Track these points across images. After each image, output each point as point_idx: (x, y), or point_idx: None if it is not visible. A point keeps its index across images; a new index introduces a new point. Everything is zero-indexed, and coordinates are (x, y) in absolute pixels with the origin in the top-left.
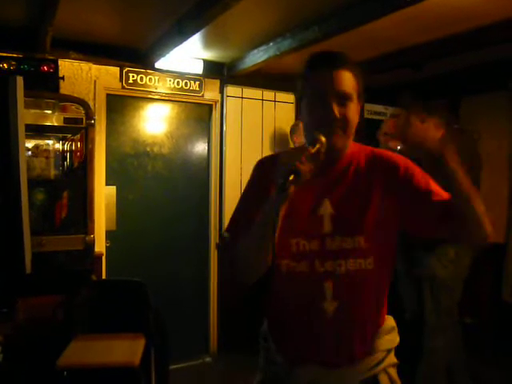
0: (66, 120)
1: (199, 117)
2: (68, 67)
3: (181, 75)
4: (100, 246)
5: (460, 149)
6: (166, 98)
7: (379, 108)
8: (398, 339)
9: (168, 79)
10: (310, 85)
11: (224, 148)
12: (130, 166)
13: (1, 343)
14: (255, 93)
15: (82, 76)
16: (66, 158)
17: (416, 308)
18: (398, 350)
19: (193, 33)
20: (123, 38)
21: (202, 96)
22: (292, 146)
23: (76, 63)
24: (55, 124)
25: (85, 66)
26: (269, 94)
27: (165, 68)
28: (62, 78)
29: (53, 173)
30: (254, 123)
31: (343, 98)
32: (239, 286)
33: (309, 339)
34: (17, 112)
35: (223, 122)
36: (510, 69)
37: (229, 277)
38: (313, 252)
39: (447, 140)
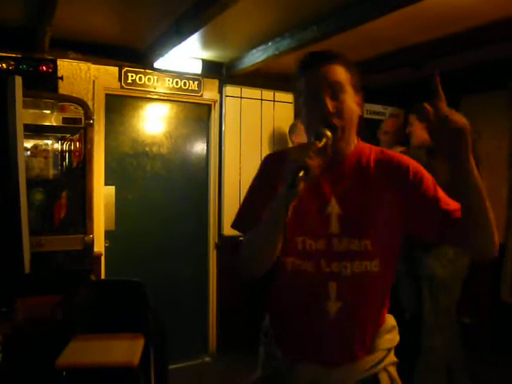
0: (64, 120)
1: (198, 117)
2: (67, 67)
3: (179, 75)
4: (99, 245)
5: None
6: (165, 98)
7: (378, 108)
8: (398, 338)
9: (167, 79)
10: (303, 83)
11: (223, 148)
12: (128, 165)
13: (0, 343)
14: (254, 93)
15: (81, 76)
16: (64, 158)
17: (416, 308)
18: (398, 349)
19: (191, 33)
20: (122, 38)
21: (201, 96)
22: (291, 145)
23: (75, 63)
24: (54, 124)
25: (83, 65)
26: (268, 94)
27: (163, 68)
28: (61, 77)
29: (52, 173)
30: (253, 123)
31: (336, 90)
32: (244, 279)
33: (309, 338)
34: (15, 112)
35: (222, 121)
36: (509, 68)
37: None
38: (319, 252)
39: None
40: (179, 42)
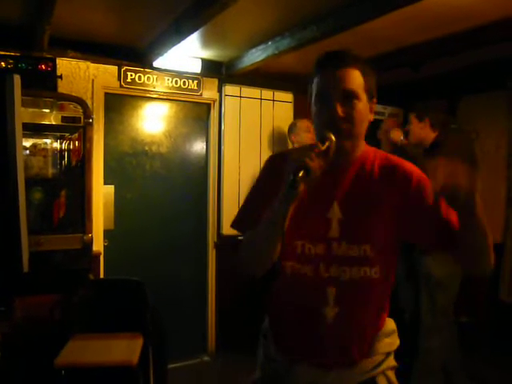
0: (63, 119)
1: (197, 116)
2: (66, 66)
3: (179, 74)
4: (98, 245)
5: (458, 148)
6: (164, 97)
7: (378, 108)
8: (397, 342)
9: (166, 78)
10: (316, 85)
11: (222, 147)
12: (128, 165)
13: None
14: (253, 92)
15: (80, 75)
16: (63, 157)
17: (414, 308)
18: (396, 350)
19: (191, 32)
20: (121, 37)
21: (201, 95)
22: (290, 145)
23: (74, 62)
24: (53, 123)
25: (83, 64)
26: (267, 93)
27: (163, 67)
28: (60, 76)
29: (51, 172)
30: (253, 122)
31: (348, 97)
32: (244, 279)
33: (307, 341)
34: (14, 111)
35: (221, 121)
36: (508, 68)
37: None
38: (318, 256)
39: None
40: (179, 41)
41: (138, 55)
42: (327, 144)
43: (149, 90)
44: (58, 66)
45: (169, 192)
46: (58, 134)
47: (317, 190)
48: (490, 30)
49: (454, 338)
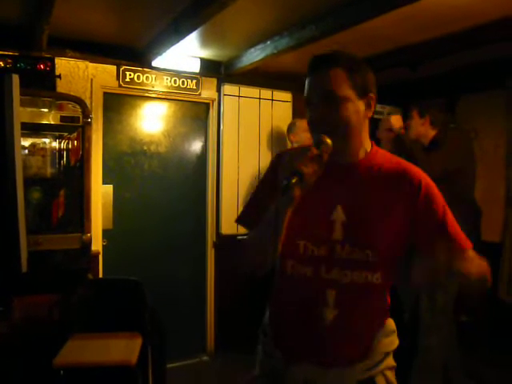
0: (62, 118)
1: (196, 115)
2: (64, 65)
3: (178, 74)
4: (97, 244)
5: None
6: (163, 97)
7: (376, 107)
8: (396, 342)
9: (165, 78)
10: (305, 89)
11: (221, 147)
12: (126, 164)
13: None
14: (252, 91)
15: (79, 74)
16: (62, 157)
17: (414, 307)
18: (396, 349)
19: (189, 31)
20: (120, 37)
21: (199, 94)
22: (289, 145)
23: (72, 61)
24: (52, 122)
25: (81, 64)
26: (266, 93)
27: (162, 66)
28: (59, 76)
29: (49, 171)
30: (252, 122)
31: (328, 98)
32: (244, 278)
33: (306, 340)
34: (12, 110)
35: (220, 120)
36: (507, 67)
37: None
38: (320, 258)
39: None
40: (177, 41)
41: (137, 55)
42: (321, 148)
43: (147, 90)
44: (56, 66)
45: (167, 191)
46: (57, 133)
47: (321, 191)
48: (489, 29)
49: (452, 337)
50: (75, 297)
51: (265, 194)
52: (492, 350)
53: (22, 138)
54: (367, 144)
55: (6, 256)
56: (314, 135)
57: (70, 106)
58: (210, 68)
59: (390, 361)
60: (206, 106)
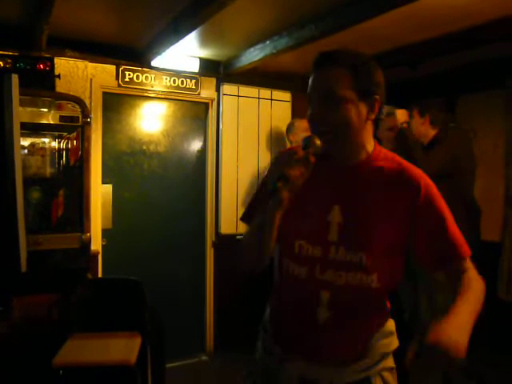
0: (62, 118)
1: (195, 115)
2: (64, 65)
3: (177, 73)
4: (96, 244)
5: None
6: (163, 97)
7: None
8: (395, 343)
9: (164, 77)
10: (308, 85)
11: (220, 146)
12: (126, 164)
13: None
14: (252, 91)
15: (78, 74)
16: (61, 157)
17: (414, 307)
18: (395, 351)
19: (189, 31)
20: (119, 36)
21: (199, 94)
22: (288, 144)
23: (72, 61)
24: (51, 122)
25: (81, 64)
26: (265, 93)
27: (161, 66)
28: (58, 76)
29: (49, 171)
30: (251, 121)
31: (328, 98)
32: (243, 275)
33: (301, 339)
34: (12, 110)
35: (219, 120)
36: (506, 67)
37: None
38: (315, 258)
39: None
40: (177, 41)
41: (136, 54)
42: (307, 150)
43: (147, 90)
44: (56, 66)
45: (167, 191)
46: (56, 133)
47: (319, 191)
48: (488, 29)
49: None
50: (74, 296)
51: (264, 193)
52: (491, 349)
53: (21, 138)
54: (369, 145)
55: (6, 256)
56: (304, 137)
57: (69, 105)
58: (209, 68)
59: (389, 362)
60: (205, 106)
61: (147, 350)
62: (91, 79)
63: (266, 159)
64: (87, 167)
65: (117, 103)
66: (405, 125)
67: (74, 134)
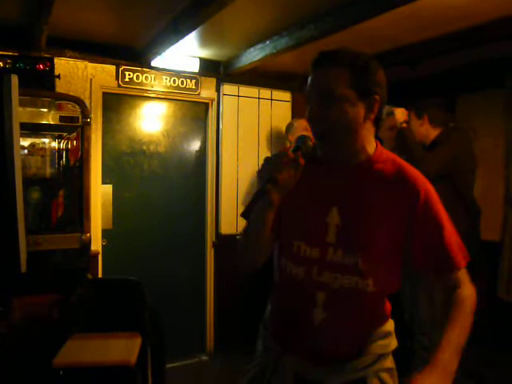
0: (61, 118)
1: (195, 115)
2: (64, 65)
3: (177, 73)
4: (96, 244)
5: (457, 148)
6: (163, 97)
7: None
8: (394, 344)
9: (164, 77)
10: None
11: (220, 146)
12: (126, 164)
13: None
14: (252, 91)
15: (78, 74)
16: (61, 157)
17: (413, 307)
18: (395, 350)
19: (189, 31)
20: (119, 37)
21: (199, 94)
22: (288, 145)
23: (72, 61)
24: (51, 122)
25: (81, 64)
26: (265, 93)
27: (161, 66)
28: (58, 76)
29: (49, 171)
30: (251, 121)
31: (324, 97)
32: (242, 273)
33: (297, 338)
34: (11, 110)
35: (220, 120)
36: (505, 67)
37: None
38: (313, 259)
39: None
40: (177, 41)
41: (136, 55)
42: (298, 152)
43: (147, 90)
44: (55, 66)
45: (167, 191)
46: (56, 133)
47: (319, 191)
48: (487, 29)
49: None
50: (75, 297)
51: (256, 196)
52: (491, 348)
53: (21, 138)
54: (370, 146)
55: (6, 256)
56: (298, 136)
57: (69, 106)
58: (209, 68)
59: (386, 363)
60: (206, 106)
61: (147, 350)
62: (91, 79)
63: None
64: (87, 167)
65: (117, 103)
66: (404, 124)
67: (74, 134)
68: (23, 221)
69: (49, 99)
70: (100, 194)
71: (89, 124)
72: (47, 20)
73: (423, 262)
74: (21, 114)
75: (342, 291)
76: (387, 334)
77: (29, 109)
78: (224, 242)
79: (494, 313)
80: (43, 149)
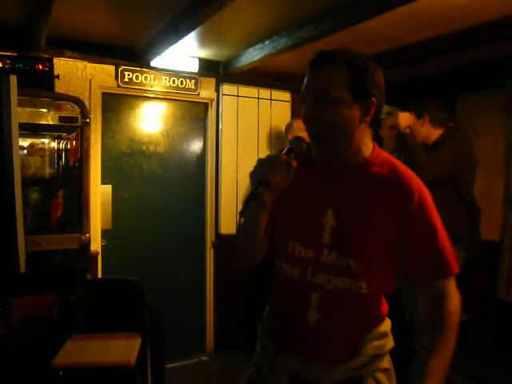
0: (61, 119)
1: (195, 115)
2: (63, 66)
3: (176, 74)
4: (96, 244)
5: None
6: (162, 97)
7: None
8: (390, 344)
9: (163, 78)
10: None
11: (220, 146)
12: (125, 164)
13: None
14: (251, 91)
15: (78, 74)
16: (61, 157)
17: (413, 307)
18: (395, 350)
19: (188, 31)
20: (118, 37)
21: (198, 94)
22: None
23: (71, 62)
24: (50, 123)
25: (80, 64)
26: (265, 93)
27: (160, 66)
28: (57, 76)
29: (48, 172)
30: (250, 121)
31: (319, 98)
32: (239, 271)
33: (292, 338)
34: (10, 111)
35: (219, 120)
36: (505, 67)
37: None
38: (307, 260)
39: None
40: (176, 41)
41: (136, 55)
42: (290, 155)
43: (146, 90)
44: (55, 66)
45: (166, 191)
46: (56, 133)
47: (315, 193)
48: (487, 29)
49: None
50: (74, 297)
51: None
52: (491, 349)
53: (20, 139)
54: (366, 148)
55: (5, 256)
56: (293, 137)
57: (68, 106)
58: (208, 68)
59: (383, 363)
60: (205, 106)
61: (147, 350)
62: (90, 79)
63: None
64: (86, 168)
65: (116, 103)
66: (407, 130)
67: (74, 134)
68: (22, 221)
69: (48, 99)
70: (99, 194)
71: (88, 124)
72: (47, 20)
73: (417, 264)
74: (20, 114)
75: (336, 293)
76: (383, 335)
77: (28, 109)
78: (224, 242)
79: (494, 313)
80: (42, 149)
